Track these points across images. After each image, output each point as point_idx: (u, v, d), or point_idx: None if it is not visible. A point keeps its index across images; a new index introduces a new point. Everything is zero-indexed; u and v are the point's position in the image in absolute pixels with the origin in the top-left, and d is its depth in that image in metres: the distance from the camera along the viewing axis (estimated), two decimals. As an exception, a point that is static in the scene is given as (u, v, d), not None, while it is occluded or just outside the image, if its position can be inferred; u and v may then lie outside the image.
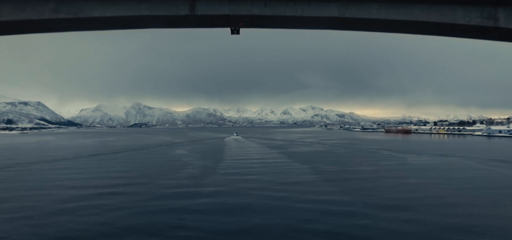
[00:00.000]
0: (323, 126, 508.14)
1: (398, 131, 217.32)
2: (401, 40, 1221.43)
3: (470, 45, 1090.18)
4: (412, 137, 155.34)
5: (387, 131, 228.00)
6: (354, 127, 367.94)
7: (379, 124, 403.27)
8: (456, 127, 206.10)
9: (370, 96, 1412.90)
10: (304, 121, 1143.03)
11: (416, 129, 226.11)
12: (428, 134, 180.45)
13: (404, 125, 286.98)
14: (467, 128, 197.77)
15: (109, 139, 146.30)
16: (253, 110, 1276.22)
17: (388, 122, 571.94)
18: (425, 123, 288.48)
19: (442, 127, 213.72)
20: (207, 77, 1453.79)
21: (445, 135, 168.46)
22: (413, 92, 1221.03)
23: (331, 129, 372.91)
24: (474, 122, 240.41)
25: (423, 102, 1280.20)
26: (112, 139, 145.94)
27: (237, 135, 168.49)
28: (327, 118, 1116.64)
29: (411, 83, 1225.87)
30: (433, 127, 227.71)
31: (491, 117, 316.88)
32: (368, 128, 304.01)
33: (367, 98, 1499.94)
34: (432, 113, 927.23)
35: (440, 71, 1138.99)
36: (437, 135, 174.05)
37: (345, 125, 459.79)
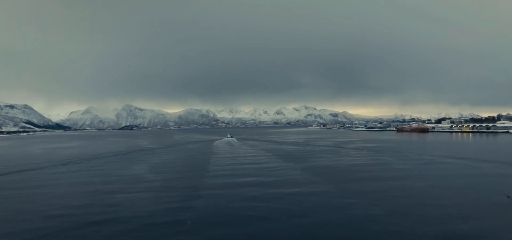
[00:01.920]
0: (321, 126, 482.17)
1: (412, 130, 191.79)
2: (396, 39, 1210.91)
3: (464, 44, 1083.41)
4: (431, 136, 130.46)
5: (399, 130, 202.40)
6: (357, 126, 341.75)
7: (381, 122, 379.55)
8: (483, 125, 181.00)
9: (363, 95, 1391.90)
10: (297, 121, 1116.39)
11: (433, 128, 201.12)
12: (448, 133, 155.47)
13: (413, 123, 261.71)
14: (497, 125, 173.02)
15: (69, 145, 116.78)
16: (246, 110, 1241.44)
17: (381, 120, 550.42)
18: (441, 120, 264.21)
19: (466, 125, 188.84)
20: (200, 78, 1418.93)
21: (470, 134, 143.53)
22: (405, 91, 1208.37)
23: (331, 128, 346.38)
24: (494, 119, 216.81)
25: (415, 101, 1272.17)
26: (74, 145, 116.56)
27: (231, 137, 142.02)
28: (321, 118, 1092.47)
29: (404, 82, 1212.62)
30: (452, 125, 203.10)
31: (480, 114, 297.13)
32: (374, 127, 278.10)
33: (360, 97, 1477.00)
34: (424, 112, 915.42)
35: (433, 69, 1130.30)
36: (460, 133, 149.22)
37: (346, 124, 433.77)
